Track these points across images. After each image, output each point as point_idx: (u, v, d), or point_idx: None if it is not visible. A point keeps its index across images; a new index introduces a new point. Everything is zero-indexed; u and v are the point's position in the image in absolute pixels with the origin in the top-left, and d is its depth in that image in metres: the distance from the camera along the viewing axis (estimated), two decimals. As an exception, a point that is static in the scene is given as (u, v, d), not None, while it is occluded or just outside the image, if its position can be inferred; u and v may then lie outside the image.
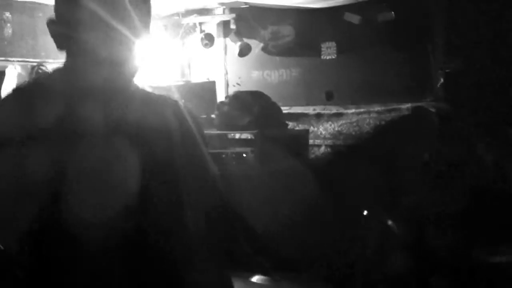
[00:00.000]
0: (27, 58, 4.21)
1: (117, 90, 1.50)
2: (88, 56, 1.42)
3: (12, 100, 1.52)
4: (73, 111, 1.45)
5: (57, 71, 1.56)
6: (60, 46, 1.47)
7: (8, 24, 4.16)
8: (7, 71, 4.00)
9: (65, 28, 1.44)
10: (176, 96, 4.16)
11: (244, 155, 3.53)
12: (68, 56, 1.51)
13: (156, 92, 1.64)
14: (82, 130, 1.45)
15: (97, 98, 1.48)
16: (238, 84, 4.89)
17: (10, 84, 3.97)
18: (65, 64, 1.52)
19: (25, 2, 4.21)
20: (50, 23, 1.48)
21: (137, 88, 1.60)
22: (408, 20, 3.96)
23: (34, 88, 1.56)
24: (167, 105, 1.60)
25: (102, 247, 1.38)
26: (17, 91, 1.56)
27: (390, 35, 4.03)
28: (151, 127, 1.51)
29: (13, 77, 3.98)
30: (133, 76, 1.53)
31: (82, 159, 1.42)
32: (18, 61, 4.13)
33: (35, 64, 4.10)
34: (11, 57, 4.13)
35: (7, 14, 4.15)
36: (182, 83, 4.95)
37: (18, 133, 1.42)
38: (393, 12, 3.94)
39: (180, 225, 1.64)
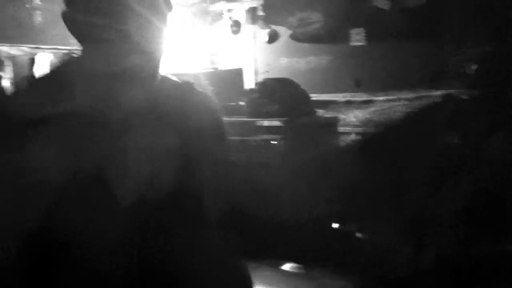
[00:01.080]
0: (58, 45, 4.25)
1: (147, 78, 1.49)
2: (114, 44, 1.40)
3: (44, 85, 1.52)
4: (103, 98, 1.46)
5: (81, 59, 1.54)
6: (80, 38, 1.46)
7: (39, 12, 4.21)
8: (38, 58, 4.05)
9: (85, 16, 1.41)
10: (204, 83, 4.17)
11: (273, 142, 3.52)
12: (90, 46, 1.48)
13: (184, 79, 1.64)
14: (114, 117, 1.46)
15: (127, 86, 1.49)
16: (267, 71, 4.87)
17: (41, 71, 4.02)
18: (86, 52, 1.50)
19: (55, -12, 4.25)
20: (67, 14, 1.45)
21: (164, 75, 1.61)
22: (439, 4, 3.88)
23: (60, 75, 1.55)
24: (194, 93, 1.61)
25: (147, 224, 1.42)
26: (45, 78, 1.56)
27: (420, 20, 3.96)
28: (181, 114, 1.52)
29: (44, 64, 4.02)
30: (159, 62, 1.53)
31: (118, 145, 1.43)
32: (49, 48, 4.18)
33: (65, 51, 4.14)
34: (42, 44, 4.18)
35: (38, 1, 4.19)
36: (210, 70, 4.95)
37: (57, 118, 1.43)
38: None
39: (202, 214, 1.65)
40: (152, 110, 1.51)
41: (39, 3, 4.19)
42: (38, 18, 4.20)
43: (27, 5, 4.13)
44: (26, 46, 4.07)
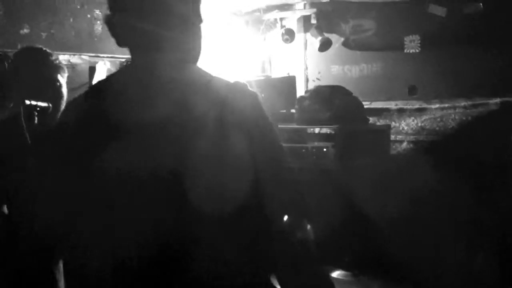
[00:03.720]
0: (116, 54, 4.40)
1: (192, 81, 1.49)
2: (159, 49, 1.41)
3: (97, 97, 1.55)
4: (153, 106, 1.46)
5: (129, 67, 1.56)
6: (122, 42, 1.46)
7: (98, 22, 4.37)
8: (97, 67, 4.19)
9: (129, 19, 1.42)
10: (256, 90, 4.20)
11: (325, 149, 3.51)
12: (136, 51, 1.49)
13: (235, 80, 1.64)
14: (165, 123, 1.47)
15: (174, 92, 1.48)
16: (318, 79, 4.87)
17: (99, 79, 4.15)
18: (135, 60, 1.50)
19: (114, 0, 4.40)
20: (109, 18, 1.47)
21: (212, 77, 1.60)
22: (497, 11, 3.78)
23: (113, 85, 1.55)
24: (246, 96, 1.58)
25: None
26: (98, 89, 1.56)
27: (477, 27, 3.87)
28: (234, 118, 1.49)
29: (103, 72, 4.16)
30: (195, 64, 1.51)
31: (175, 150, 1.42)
32: (108, 57, 4.32)
33: (123, 60, 4.27)
34: (101, 53, 4.33)
35: (97, 11, 4.36)
36: (262, 78, 4.99)
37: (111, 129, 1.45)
38: (481, 4, 3.78)
39: (265, 219, 1.63)
40: (208, 114, 1.52)
41: (98, 13, 4.35)
42: (98, 28, 4.36)
43: (88, 16, 4.29)
44: (85, 55, 4.23)
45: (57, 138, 1.50)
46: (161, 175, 1.40)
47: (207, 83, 1.56)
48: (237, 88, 1.57)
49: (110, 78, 1.61)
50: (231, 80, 1.60)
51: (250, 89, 1.60)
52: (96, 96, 1.51)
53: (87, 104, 1.51)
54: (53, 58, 2.35)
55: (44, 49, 2.41)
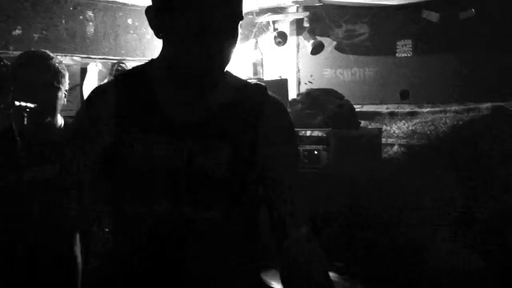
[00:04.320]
0: (108, 55, 4.39)
1: (214, 81, 1.50)
2: (186, 46, 1.39)
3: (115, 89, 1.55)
4: (171, 102, 1.49)
5: (154, 60, 1.58)
6: (157, 34, 1.47)
7: (91, 23, 4.36)
8: (89, 68, 4.19)
9: (162, 14, 1.41)
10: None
11: (316, 152, 3.52)
12: (165, 45, 1.51)
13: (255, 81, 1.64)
14: (179, 120, 1.48)
15: (193, 90, 1.50)
16: (310, 82, 4.88)
17: (91, 81, 4.15)
18: (161, 53, 1.53)
19: (107, 2, 4.39)
20: (149, 10, 1.48)
21: (231, 75, 1.61)
22: (489, 17, 3.81)
23: (132, 78, 1.59)
24: (267, 96, 1.61)
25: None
26: (118, 81, 1.60)
27: (469, 32, 3.89)
28: (256, 117, 1.54)
29: (95, 74, 4.16)
30: (226, 66, 1.52)
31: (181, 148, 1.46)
32: (100, 58, 4.31)
33: (115, 61, 4.27)
34: (93, 54, 4.32)
35: (90, 13, 4.35)
36: (255, 80, 4.99)
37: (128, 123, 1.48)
38: (473, 9, 3.80)
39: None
40: (244, 119, 1.53)
41: (91, 15, 4.34)
42: (90, 29, 4.35)
43: (80, 17, 4.28)
44: (78, 56, 4.22)
45: (87, 125, 1.54)
46: (180, 169, 1.45)
47: (243, 87, 1.58)
48: (272, 99, 1.61)
49: (143, 68, 1.61)
50: (262, 85, 1.63)
51: (269, 92, 1.63)
52: (130, 83, 1.56)
53: (117, 90, 1.54)
54: (53, 61, 2.42)
55: (45, 52, 2.46)
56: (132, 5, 4.46)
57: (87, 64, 4.21)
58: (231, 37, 1.46)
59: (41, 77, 2.36)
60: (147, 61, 1.62)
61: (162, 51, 1.52)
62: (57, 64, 2.43)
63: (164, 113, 1.49)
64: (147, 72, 1.58)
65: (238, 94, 1.58)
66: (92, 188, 1.53)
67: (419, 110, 4.16)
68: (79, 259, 2.38)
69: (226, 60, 1.49)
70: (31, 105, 2.05)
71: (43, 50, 2.54)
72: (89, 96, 1.61)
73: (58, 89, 2.43)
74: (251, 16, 4.99)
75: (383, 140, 4.09)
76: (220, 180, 1.46)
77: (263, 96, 1.61)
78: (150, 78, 1.55)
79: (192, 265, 1.45)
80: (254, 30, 5.11)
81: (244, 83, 1.66)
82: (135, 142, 1.45)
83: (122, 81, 1.59)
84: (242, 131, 1.52)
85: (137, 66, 1.64)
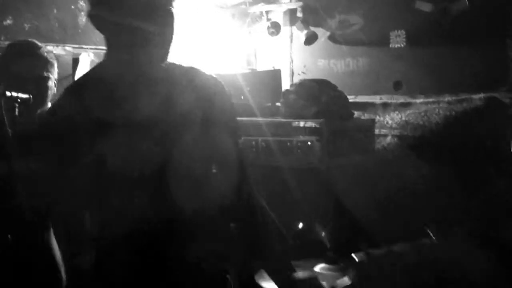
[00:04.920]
0: (100, 45, 4.35)
1: (176, 78, 1.55)
2: (144, 45, 1.44)
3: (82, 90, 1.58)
4: (122, 99, 1.51)
5: (110, 62, 1.58)
6: (111, 40, 1.51)
7: (82, 13, 4.32)
8: (81, 58, 4.15)
9: (112, 14, 1.43)
10: (242, 83, 4.20)
11: (309, 143, 3.51)
12: (119, 46, 1.51)
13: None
14: (151, 119, 1.49)
15: (160, 88, 1.53)
16: (304, 72, 4.87)
17: (83, 71, 4.12)
18: (117, 55, 1.54)
19: (99, -9, 4.35)
20: (91, 12, 1.49)
21: (194, 74, 1.62)
22: (482, 8, 3.80)
23: (92, 80, 1.61)
24: (203, 78, 1.63)
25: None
26: (78, 84, 1.64)
27: (463, 23, 3.89)
28: (195, 101, 1.56)
29: (87, 64, 4.13)
30: (164, 60, 1.54)
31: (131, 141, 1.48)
32: (91, 48, 4.28)
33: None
34: (85, 44, 4.29)
35: (81, 3, 4.31)
36: (247, 71, 4.98)
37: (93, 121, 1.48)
38: (467, 1, 3.79)
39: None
40: (193, 111, 1.54)
41: (83, 5, 4.30)
42: (82, 19, 4.31)
43: (72, 7, 4.25)
44: (69, 46, 4.18)
45: (45, 137, 1.60)
46: (145, 166, 1.46)
47: (190, 79, 1.59)
48: (218, 86, 1.64)
49: (91, 73, 1.65)
50: (212, 74, 1.64)
51: (205, 72, 1.66)
52: (79, 92, 1.57)
53: (71, 102, 1.57)
54: (42, 51, 2.39)
55: (34, 42, 2.43)
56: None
57: (79, 54, 4.17)
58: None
59: (31, 68, 2.32)
60: None
61: (112, 52, 1.56)
62: (45, 54, 2.41)
63: (121, 111, 1.50)
64: (103, 77, 1.61)
65: (202, 91, 1.61)
66: (60, 184, 1.56)
67: (413, 100, 4.16)
68: (56, 252, 2.33)
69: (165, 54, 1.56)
70: (23, 96, 2.03)
71: (31, 39, 2.50)
72: (47, 111, 1.68)
73: (48, 78, 2.40)
74: (244, 6, 4.97)
75: (377, 130, 4.09)
76: (186, 167, 1.50)
77: (201, 77, 1.64)
78: (108, 81, 1.57)
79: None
80: (247, 20, 5.09)
81: (206, 79, 1.66)
82: (100, 140, 1.47)
83: (79, 89, 1.62)
84: (193, 116, 1.55)
85: (93, 70, 1.68)
